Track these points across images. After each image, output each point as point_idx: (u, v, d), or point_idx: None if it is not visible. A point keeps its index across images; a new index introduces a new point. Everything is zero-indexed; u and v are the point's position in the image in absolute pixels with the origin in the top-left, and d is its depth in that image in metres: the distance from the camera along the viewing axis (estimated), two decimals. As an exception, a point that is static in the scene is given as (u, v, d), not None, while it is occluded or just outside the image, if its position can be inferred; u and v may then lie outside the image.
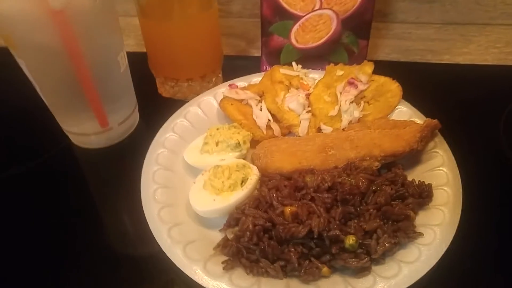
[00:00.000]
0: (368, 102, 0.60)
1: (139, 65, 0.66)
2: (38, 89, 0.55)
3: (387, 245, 0.44)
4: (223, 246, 0.47)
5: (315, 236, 0.44)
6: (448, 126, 0.56)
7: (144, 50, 0.67)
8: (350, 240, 0.44)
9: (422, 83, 0.68)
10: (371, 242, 0.44)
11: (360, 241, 0.44)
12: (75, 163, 0.61)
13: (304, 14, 0.61)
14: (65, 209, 0.55)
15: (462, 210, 0.47)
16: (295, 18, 0.62)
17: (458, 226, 0.46)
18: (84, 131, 0.59)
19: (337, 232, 0.44)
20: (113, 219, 0.54)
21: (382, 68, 0.71)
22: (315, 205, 0.46)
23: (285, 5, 0.61)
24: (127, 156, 0.59)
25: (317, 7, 0.60)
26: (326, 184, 0.47)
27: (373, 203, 0.47)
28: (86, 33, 0.50)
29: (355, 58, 0.65)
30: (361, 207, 0.47)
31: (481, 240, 0.49)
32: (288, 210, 0.45)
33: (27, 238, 0.52)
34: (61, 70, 0.51)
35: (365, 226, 0.45)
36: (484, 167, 0.56)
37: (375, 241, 0.45)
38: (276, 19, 0.62)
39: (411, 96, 0.61)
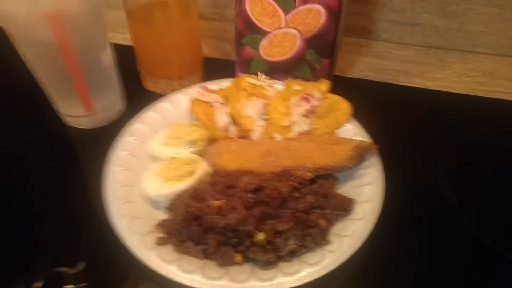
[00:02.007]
0: (319, 117, 0.66)
1: (130, 59, 0.76)
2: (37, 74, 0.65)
3: (293, 246, 0.51)
4: (161, 225, 0.55)
5: (231, 229, 0.52)
6: (394, 148, 0.62)
7: (138, 45, 0.75)
8: (260, 236, 0.51)
9: (384, 103, 0.72)
10: (279, 241, 0.52)
11: (270, 239, 0.52)
12: (67, 139, 0.71)
13: (271, 30, 0.67)
14: (53, 172, 0.65)
15: (375, 226, 0.53)
16: (264, 33, 0.68)
17: (366, 240, 0.52)
18: (73, 113, 0.69)
19: (250, 228, 0.51)
20: (87, 185, 0.63)
21: (351, 84, 0.77)
22: (238, 203, 0.54)
23: (255, 21, 0.67)
24: (109, 137, 0.66)
25: (282, 25, 0.66)
26: (252, 186, 0.55)
27: (292, 208, 0.54)
28: (74, 33, 0.58)
29: (317, 74, 0.71)
30: (281, 210, 0.55)
31: (379, 255, 0.54)
32: (215, 203, 0.53)
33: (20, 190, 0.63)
34: (53, 62, 0.61)
35: (278, 227, 0.53)
36: (412, 195, 0.60)
37: (284, 240, 0.52)
38: (248, 32, 0.69)
39: (368, 114, 0.66)
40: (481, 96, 0.76)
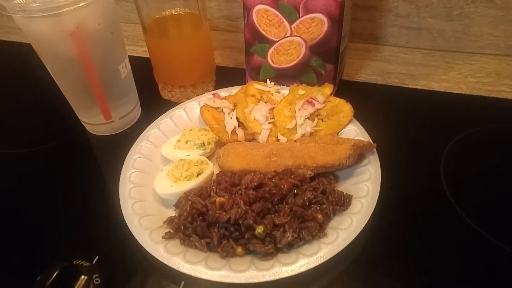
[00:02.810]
0: (322, 120, 0.69)
1: (149, 70, 0.82)
2: (60, 87, 0.72)
3: (289, 238, 0.54)
4: (169, 221, 0.60)
5: (232, 223, 0.55)
6: (400, 148, 0.65)
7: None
8: (259, 229, 0.54)
9: (390, 105, 0.74)
10: (278, 233, 0.55)
11: (268, 231, 0.55)
12: (87, 145, 0.77)
13: (277, 40, 0.72)
14: (75, 175, 0.71)
15: (369, 221, 0.55)
16: (271, 42, 0.73)
17: (360, 233, 0.54)
18: (94, 122, 0.75)
19: (250, 221, 0.55)
20: (106, 186, 0.67)
21: (358, 88, 0.79)
22: (240, 198, 0.57)
23: (262, 31, 0.72)
24: (126, 143, 0.71)
25: (288, 34, 0.70)
26: (253, 183, 0.59)
27: (291, 204, 0.58)
28: (93, 48, 0.65)
29: (323, 79, 0.74)
30: (280, 205, 0.58)
31: (377, 248, 0.56)
32: (218, 200, 0.57)
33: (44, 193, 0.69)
34: (75, 75, 0.67)
35: (276, 220, 0.56)
36: (414, 193, 0.62)
37: (281, 233, 0.55)
38: (256, 42, 0.74)
39: (374, 116, 0.68)
40: (486, 96, 0.77)
